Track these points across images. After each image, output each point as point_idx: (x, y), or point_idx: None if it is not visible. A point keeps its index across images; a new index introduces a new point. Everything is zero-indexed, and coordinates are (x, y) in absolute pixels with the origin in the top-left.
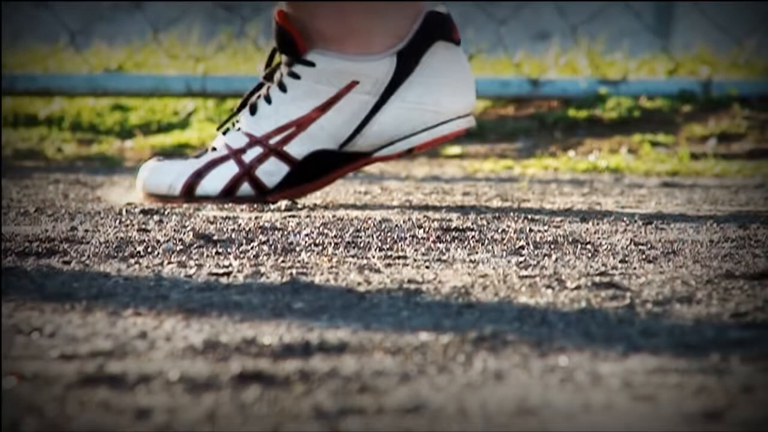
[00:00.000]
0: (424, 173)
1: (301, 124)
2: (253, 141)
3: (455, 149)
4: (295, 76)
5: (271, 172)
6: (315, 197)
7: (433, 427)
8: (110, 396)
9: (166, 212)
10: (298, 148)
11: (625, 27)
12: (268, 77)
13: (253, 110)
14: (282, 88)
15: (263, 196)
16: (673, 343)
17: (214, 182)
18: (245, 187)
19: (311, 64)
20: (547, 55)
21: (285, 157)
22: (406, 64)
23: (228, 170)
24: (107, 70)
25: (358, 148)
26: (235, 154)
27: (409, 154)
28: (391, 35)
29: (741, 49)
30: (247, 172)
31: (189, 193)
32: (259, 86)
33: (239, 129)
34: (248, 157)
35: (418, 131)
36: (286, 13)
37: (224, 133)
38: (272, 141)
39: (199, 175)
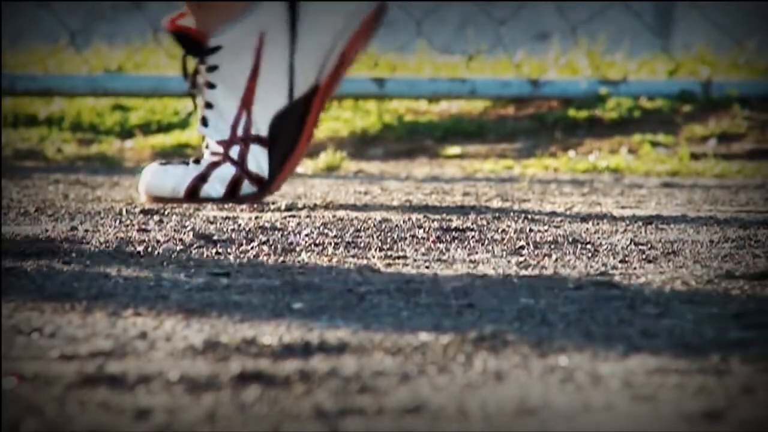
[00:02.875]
0: (424, 173)
1: (246, 102)
2: (227, 143)
3: (455, 149)
4: (213, 68)
5: (256, 159)
6: (315, 198)
7: (433, 427)
8: (110, 396)
9: (166, 212)
10: (261, 124)
11: (625, 27)
12: (194, 85)
13: (205, 122)
14: (210, 86)
15: (265, 188)
16: (674, 344)
17: (215, 185)
18: (246, 186)
19: (218, 48)
20: (547, 55)
21: (258, 140)
22: None
23: (227, 171)
24: (107, 70)
25: (305, 86)
26: (225, 157)
27: (346, 63)
28: None
29: (741, 50)
30: (243, 170)
31: (192, 196)
32: (194, 98)
33: (211, 139)
34: (235, 156)
35: (337, 37)
36: (172, 20)
37: (206, 147)
38: (240, 133)
39: (202, 178)
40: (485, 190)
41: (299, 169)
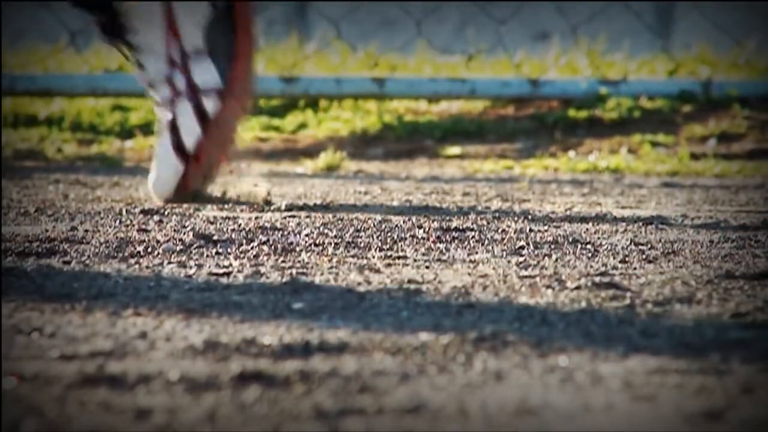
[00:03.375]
0: (424, 173)
1: (172, 27)
2: (169, 76)
3: (455, 149)
4: (129, 15)
5: (204, 72)
6: (315, 198)
7: (433, 427)
8: (110, 396)
9: (166, 212)
10: (193, 37)
11: (625, 27)
12: (117, 40)
13: (142, 67)
14: (136, 32)
15: (226, 95)
16: (674, 344)
17: (188, 129)
18: (208, 103)
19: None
20: (547, 55)
21: (197, 52)
22: None
23: (185, 108)
24: (107, 70)
25: None
26: (175, 93)
27: None
28: None
29: (741, 50)
30: (195, 94)
31: (184, 153)
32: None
33: (154, 80)
34: (182, 86)
35: None
36: None
37: (158, 105)
38: (176, 57)
39: (176, 135)
40: (485, 190)
41: (299, 169)
